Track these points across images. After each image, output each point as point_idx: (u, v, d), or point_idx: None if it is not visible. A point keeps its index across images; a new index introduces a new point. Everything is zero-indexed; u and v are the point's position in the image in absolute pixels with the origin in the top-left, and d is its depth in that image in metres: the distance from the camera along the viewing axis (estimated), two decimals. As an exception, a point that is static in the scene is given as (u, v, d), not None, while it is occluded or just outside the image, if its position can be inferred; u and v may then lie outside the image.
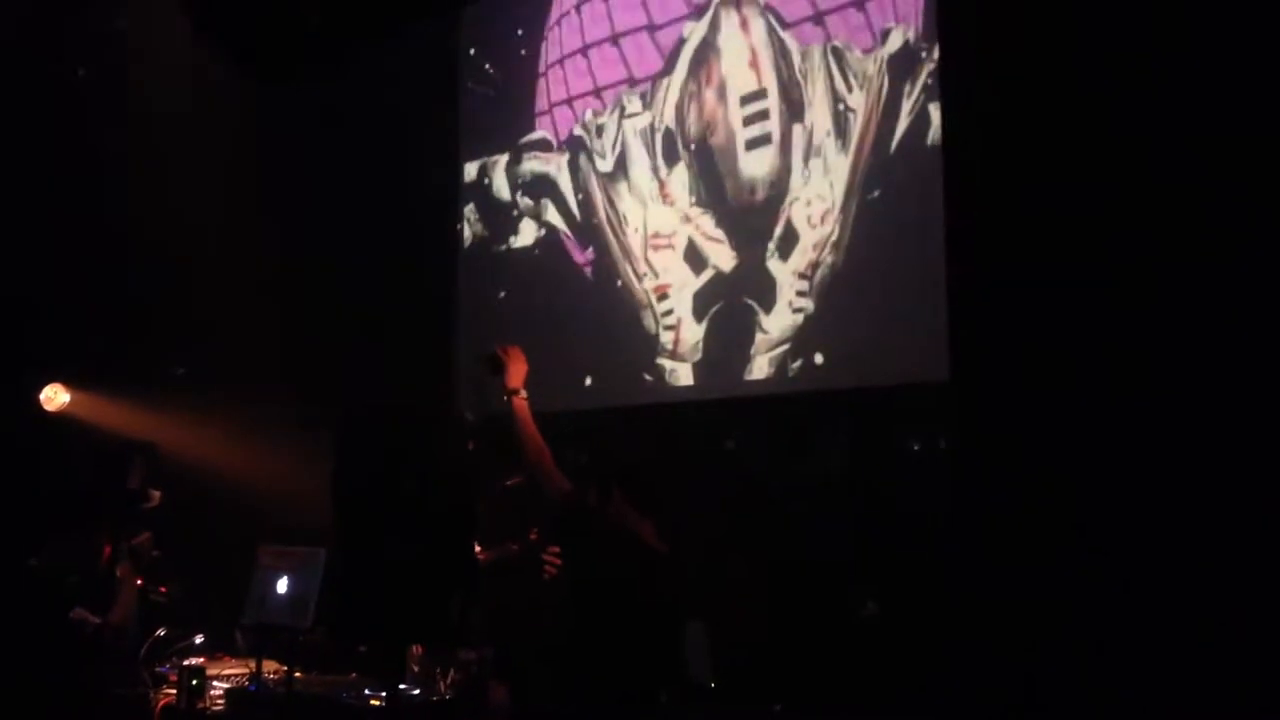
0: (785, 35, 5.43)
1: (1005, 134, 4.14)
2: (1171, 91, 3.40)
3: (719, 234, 5.59)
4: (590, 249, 6.14)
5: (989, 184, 4.23)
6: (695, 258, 5.66)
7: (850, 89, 5.20)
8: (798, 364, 5.27)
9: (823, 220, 5.26)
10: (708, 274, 5.61)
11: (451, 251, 6.74)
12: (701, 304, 5.62)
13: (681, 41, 5.80)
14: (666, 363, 5.76)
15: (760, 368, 5.40)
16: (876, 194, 5.09)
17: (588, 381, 6.09)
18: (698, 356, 5.65)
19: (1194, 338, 3.44)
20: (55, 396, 6.72)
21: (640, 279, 5.89)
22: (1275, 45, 3.36)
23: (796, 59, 5.38)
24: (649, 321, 5.84)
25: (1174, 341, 3.52)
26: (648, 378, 5.82)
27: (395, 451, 3.89)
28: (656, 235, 5.85)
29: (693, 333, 5.66)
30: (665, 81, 5.85)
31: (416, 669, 4.37)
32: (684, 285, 5.69)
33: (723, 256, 5.57)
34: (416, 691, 4.23)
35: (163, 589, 5.25)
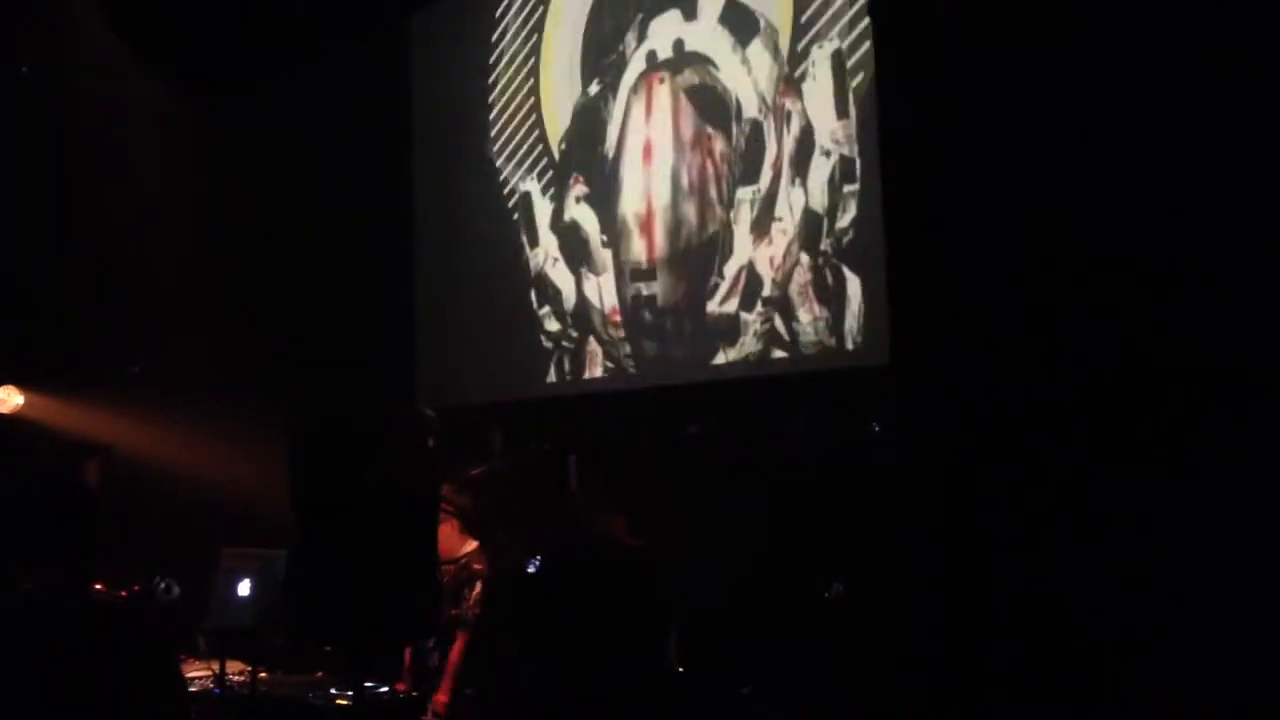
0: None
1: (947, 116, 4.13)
2: (1116, 80, 3.42)
3: (684, 209, 5.57)
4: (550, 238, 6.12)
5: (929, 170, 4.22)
6: (656, 234, 5.65)
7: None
8: (760, 347, 5.27)
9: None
10: (669, 250, 5.60)
11: (409, 247, 6.72)
12: (663, 285, 5.62)
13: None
14: (625, 347, 5.75)
15: (724, 351, 5.40)
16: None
17: (550, 372, 6.08)
18: (658, 339, 5.64)
19: (1137, 319, 3.46)
20: (8, 399, 6.61)
21: (600, 266, 5.87)
22: (1215, 45, 3.38)
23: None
24: (610, 307, 5.83)
25: (1120, 322, 3.54)
26: (609, 364, 5.81)
27: (355, 449, 3.84)
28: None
29: (653, 314, 5.65)
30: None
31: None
32: (647, 265, 5.69)
33: (685, 232, 5.55)
34: (384, 690, 4.21)
35: (123, 593, 5.18)
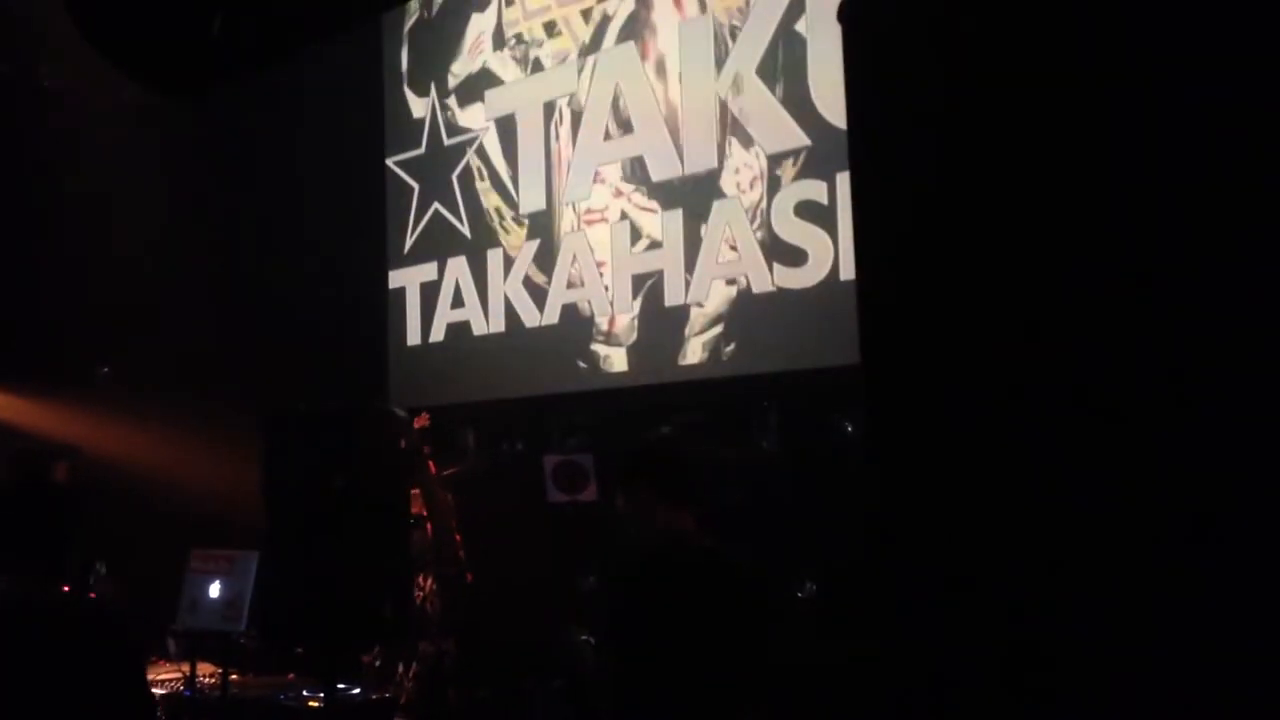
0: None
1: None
2: (1095, 88, 3.45)
3: (652, 205, 5.58)
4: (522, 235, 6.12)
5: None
6: (628, 233, 5.66)
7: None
8: (731, 347, 5.29)
9: (751, 186, 5.26)
10: (641, 250, 5.61)
11: (381, 246, 6.71)
12: (636, 283, 5.62)
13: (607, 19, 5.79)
14: (601, 348, 5.75)
15: (694, 351, 5.41)
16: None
17: (524, 369, 6.07)
18: (632, 339, 5.65)
19: (1112, 326, 3.48)
20: (-22, 400, 6.55)
21: (574, 258, 5.88)
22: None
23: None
24: (583, 305, 5.83)
25: (1095, 327, 3.56)
26: (582, 364, 5.82)
27: (326, 449, 3.83)
28: (589, 211, 5.83)
29: (627, 315, 5.66)
30: (593, 59, 5.83)
31: (377, 664, 4.33)
32: (618, 263, 5.69)
33: (655, 230, 5.56)
34: (356, 691, 4.19)
35: (91, 594, 5.14)
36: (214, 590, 4.23)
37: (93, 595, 5.16)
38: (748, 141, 5.26)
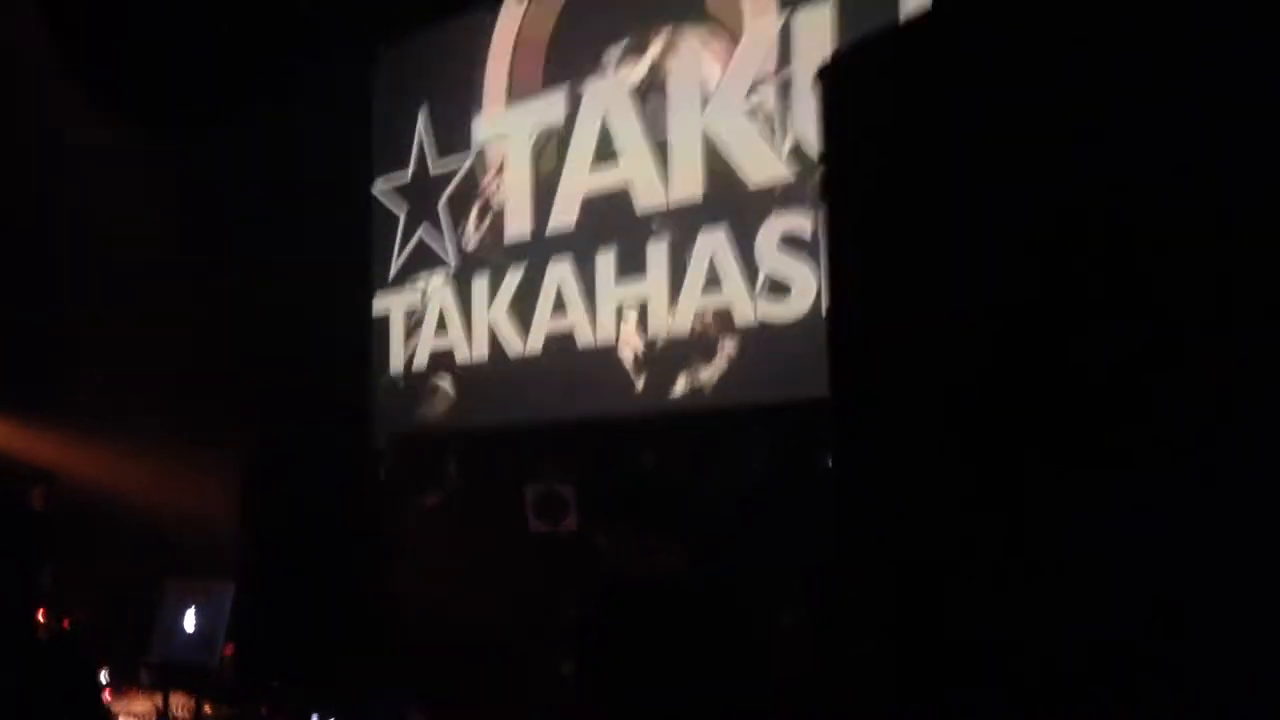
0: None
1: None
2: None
3: (638, 235, 5.58)
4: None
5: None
6: (613, 263, 5.65)
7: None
8: (714, 379, 5.27)
9: (737, 217, 5.26)
10: (626, 280, 5.60)
11: (365, 271, 6.69)
12: (620, 313, 5.61)
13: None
14: (583, 378, 5.74)
15: (677, 383, 5.40)
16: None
17: (507, 398, 6.05)
18: (615, 370, 5.63)
19: (1085, 358, 3.48)
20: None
21: (559, 287, 5.87)
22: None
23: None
24: (567, 334, 5.81)
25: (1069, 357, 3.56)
26: (564, 394, 5.79)
27: (306, 482, 3.81)
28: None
29: (610, 345, 5.64)
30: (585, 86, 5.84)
31: None
32: (603, 293, 5.68)
33: (640, 260, 5.56)
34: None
35: (65, 622, 5.09)
36: (189, 621, 4.18)
37: (65, 622, 5.11)
38: (731, 173, 5.27)
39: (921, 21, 1.46)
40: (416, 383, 6.46)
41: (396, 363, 6.54)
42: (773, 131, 5.14)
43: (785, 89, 5.12)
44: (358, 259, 6.68)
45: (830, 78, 1.52)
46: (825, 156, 1.58)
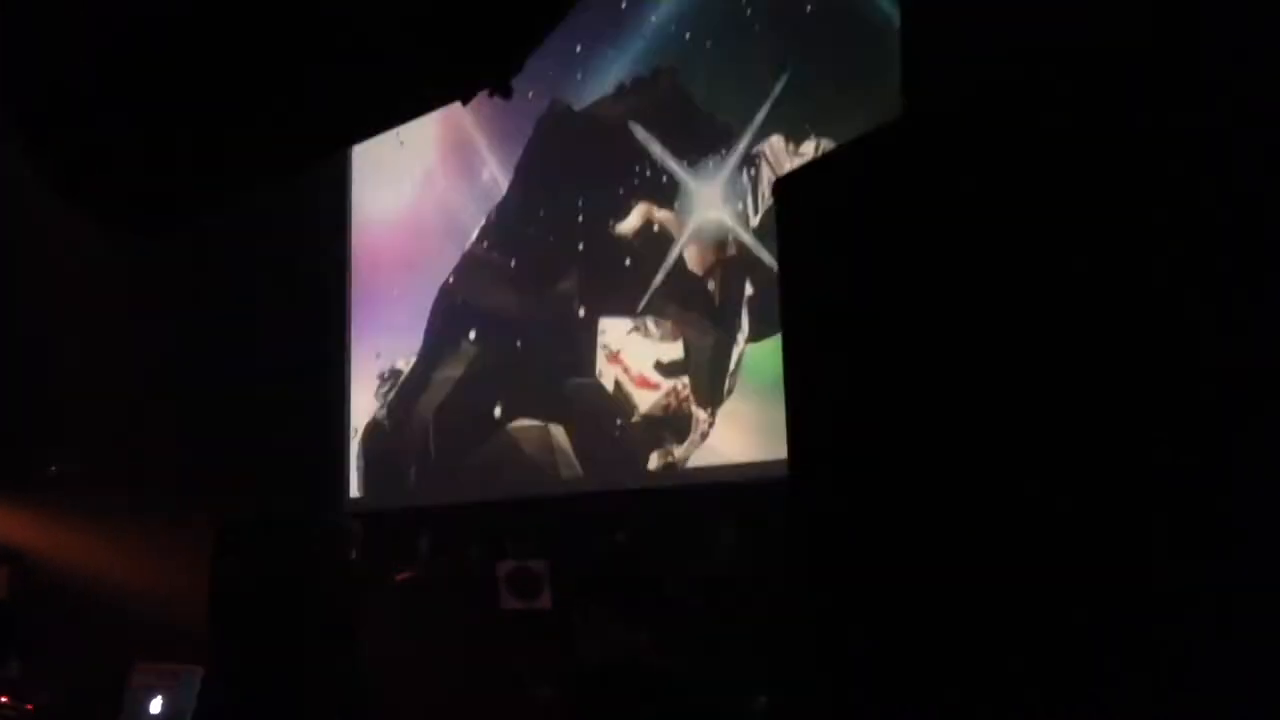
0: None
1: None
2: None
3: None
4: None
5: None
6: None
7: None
8: (690, 456, 5.29)
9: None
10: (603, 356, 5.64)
11: (337, 353, 6.70)
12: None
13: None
14: (558, 453, 5.74)
15: (651, 459, 5.41)
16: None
17: (480, 473, 6.04)
18: (590, 445, 5.64)
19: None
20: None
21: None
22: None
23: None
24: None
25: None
26: (538, 469, 5.79)
27: (274, 563, 3.78)
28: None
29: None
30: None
31: None
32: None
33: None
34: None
35: (29, 706, 5.01)
36: (155, 706, 4.13)
37: (30, 707, 5.03)
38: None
39: (879, 137, 1.50)
40: (387, 459, 6.45)
41: (367, 440, 6.52)
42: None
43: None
44: (327, 337, 6.67)
45: (785, 189, 1.57)
46: (781, 262, 1.62)
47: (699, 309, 5.27)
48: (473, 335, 6.16)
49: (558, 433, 5.72)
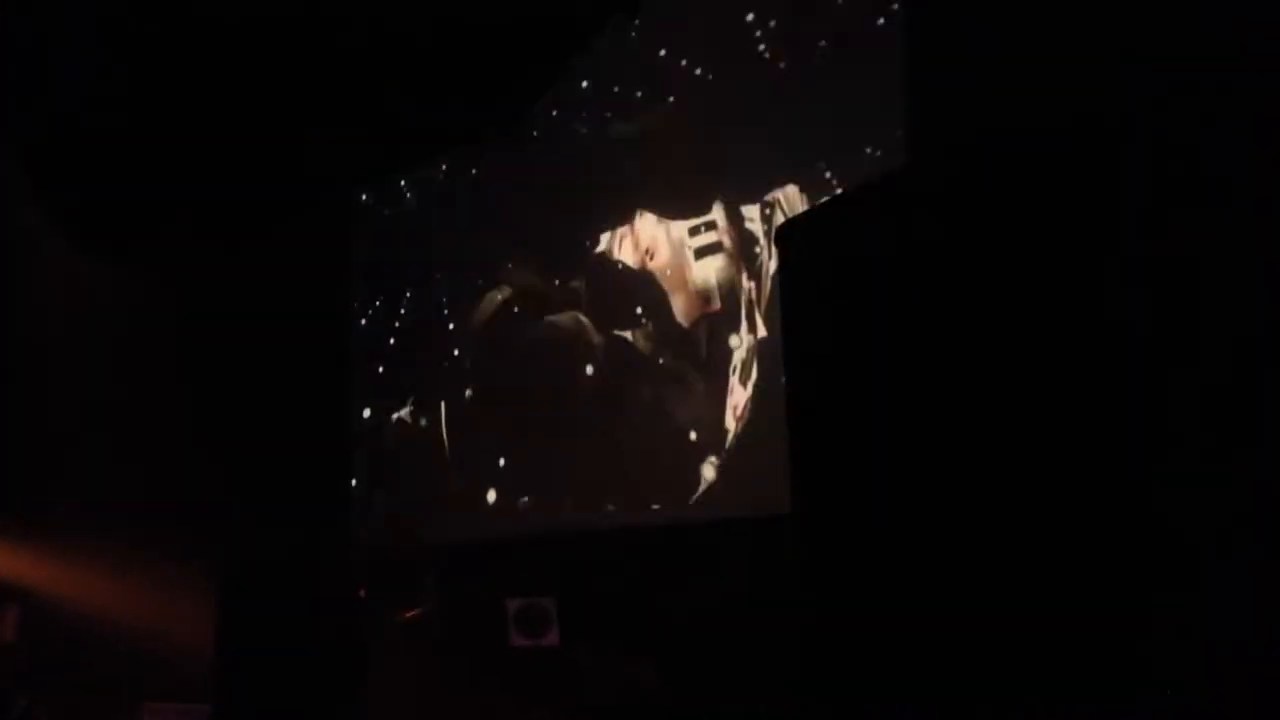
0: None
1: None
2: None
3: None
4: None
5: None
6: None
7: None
8: (695, 492, 5.28)
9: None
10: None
11: (346, 393, 6.72)
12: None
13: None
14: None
15: (660, 494, 5.40)
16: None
17: (488, 511, 6.04)
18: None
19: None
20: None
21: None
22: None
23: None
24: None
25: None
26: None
27: (282, 601, 3.80)
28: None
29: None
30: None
31: None
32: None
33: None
34: None
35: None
36: (164, 746, 4.13)
37: (37, 748, 5.01)
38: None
39: (879, 186, 1.54)
40: (395, 498, 6.45)
41: (375, 480, 6.53)
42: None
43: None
44: (338, 377, 6.70)
45: (786, 239, 1.60)
46: (783, 309, 1.64)
47: (689, 358, 5.30)
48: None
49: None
